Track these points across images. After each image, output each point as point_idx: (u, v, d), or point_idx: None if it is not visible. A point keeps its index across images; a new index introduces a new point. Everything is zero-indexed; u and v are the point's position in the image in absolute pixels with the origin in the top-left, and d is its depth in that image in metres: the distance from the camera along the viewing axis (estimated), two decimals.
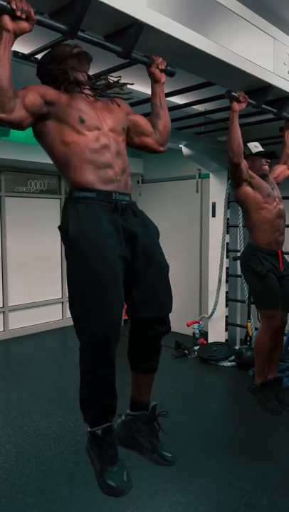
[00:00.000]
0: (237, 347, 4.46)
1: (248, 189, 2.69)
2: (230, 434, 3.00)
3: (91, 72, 1.81)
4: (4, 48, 1.34)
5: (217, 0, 1.97)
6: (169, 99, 3.12)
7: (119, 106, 1.74)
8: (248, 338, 4.32)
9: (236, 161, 2.51)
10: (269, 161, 2.84)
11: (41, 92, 1.54)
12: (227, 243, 4.56)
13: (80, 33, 1.54)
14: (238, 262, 4.59)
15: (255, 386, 2.86)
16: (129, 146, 1.83)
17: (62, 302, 5.92)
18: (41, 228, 5.58)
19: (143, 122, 1.84)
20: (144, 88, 3.18)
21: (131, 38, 1.64)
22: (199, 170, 5.10)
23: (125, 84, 1.77)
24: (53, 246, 5.76)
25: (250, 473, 2.44)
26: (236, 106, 2.33)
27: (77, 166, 1.56)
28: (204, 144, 4.14)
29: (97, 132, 1.60)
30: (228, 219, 4.55)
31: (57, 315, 5.90)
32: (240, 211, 4.44)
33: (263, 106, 2.48)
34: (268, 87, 2.38)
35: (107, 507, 2.14)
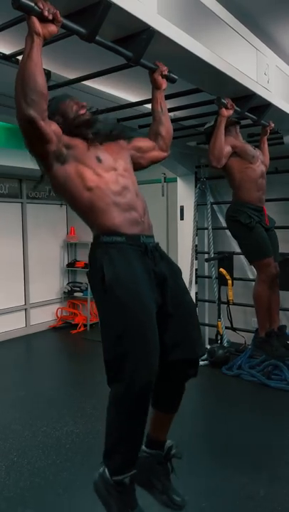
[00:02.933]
0: (207, 346, 4.58)
1: (231, 160, 2.76)
2: (217, 430, 3.07)
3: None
4: (37, 52, 1.33)
5: (211, 9, 2.05)
6: (146, 105, 3.19)
7: (126, 142, 1.81)
8: (219, 337, 4.46)
9: (215, 165, 2.60)
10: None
11: (59, 131, 1.54)
12: (196, 245, 4.68)
13: None
14: (206, 262, 4.75)
15: (261, 338, 2.93)
16: (141, 169, 1.88)
17: (25, 309, 5.76)
18: (1, 233, 5.41)
19: (142, 143, 1.89)
20: (125, 95, 3.25)
21: (142, 43, 1.67)
22: (164, 174, 5.20)
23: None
24: (15, 251, 5.61)
25: (245, 467, 2.53)
26: (225, 112, 2.42)
27: (103, 210, 1.57)
28: (174, 149, 4.20)
29: (114, 173, 1.63)
30: (196, 222, 4.67)
31: (20, 323, 5.73)
32: (213, 213, 4.59)
33: (246, 113, 2.60)
34: (251, 96, 2.49)
35: None
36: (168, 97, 2.73)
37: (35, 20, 1.31)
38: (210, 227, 4.58)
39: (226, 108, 2.40)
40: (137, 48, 1.67)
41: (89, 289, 5.87)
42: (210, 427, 3.17)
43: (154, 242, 1.67)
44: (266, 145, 3.07)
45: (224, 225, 4.67)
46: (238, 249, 4.55)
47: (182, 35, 1.81)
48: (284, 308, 3.99)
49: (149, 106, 3.24)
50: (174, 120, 3.68)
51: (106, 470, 1.54)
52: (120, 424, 1.50)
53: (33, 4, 1.29)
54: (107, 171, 1.60)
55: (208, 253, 4.73)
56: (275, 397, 3.60)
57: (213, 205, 4.74)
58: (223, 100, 2.36)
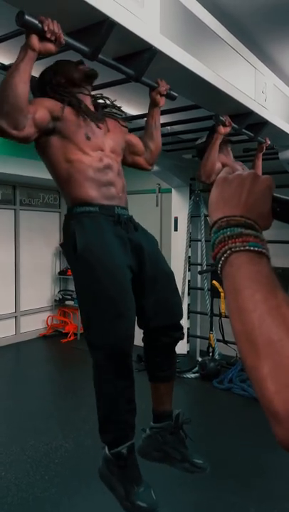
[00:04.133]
0: (199, 358, 4.57)
1: None
2: (206, 446, 3.04)
3: None
4: (26, 65, 1.33)
5: (211, 28, 2.07)
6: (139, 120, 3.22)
7: (124, 127, 1.80)
8: (211, 349, 4.45)
9: (204, 180, 2.59)
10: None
11: (49, 107, 1.53)
12: (189, 257, 4.69)
13: None
14: (198, 274, 4.75)
15: None
16: (122, 163, 1.85)
17: (15, 317, 5.70)
18: None
19: (136, 142, 1.89)
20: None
21: (144, 62, 1.67)
22: (159, 185, 5.21)
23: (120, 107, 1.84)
24: (7, 257, 5.57)
25: (235, 486, 2.51)
26: (222, 130, 2.42)
27: (80, 183, 1.58)
28: (170, 161, 4.25)
29: (100, 153, 1.63)
30: (190, 233, 4.68)
31: (10, 330, 5.67)
32: (206, 225, 4.59)
33: (243, 130, 2.62)
34: (249, 113, 2.51)
35: None
36: (167, 112, 2.77)
37: (34, 37, 1.30)
38: (203, 239, 4.59)
39: (224, 125, 2.41)
40: (139, 67, 1.67)
41: None
42: (199, 443, 3.13)
43: (129, 215, 1.67)
44: (260, 161, 3.09)
45: None
46: None
47: (183, 54, 1.82)
48: None
49: (141, 121, 3.29)
50: (171, 134, 3.73)
51: (106, 449, 1.53)
52: (104, 392, 1.51)
53: (36, 22, 1.28)
54: (93, 150, 1.60)
55: (201, 265, 4.73)
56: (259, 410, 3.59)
57: (207, 218, 4.74)
58: (221, 118, 2.37)
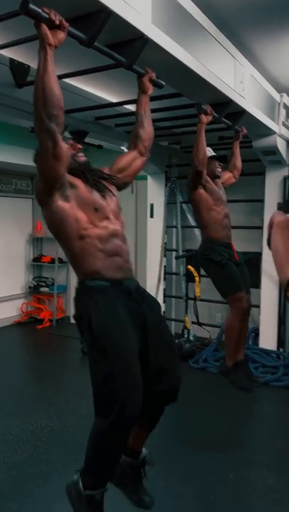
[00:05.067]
0: (175, 340, 4.71)
1: (202, 192, 2.89)
2: (185, 420, 3.21)
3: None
4: (52, 65, 1.39)
5: (197, 19, 2.15)
6: (126, 106, 3.28)
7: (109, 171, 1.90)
8: (186, 332, 4.61)
9: (200, 169, 2.71)
10: (222, 164, 3.08)
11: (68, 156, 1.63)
12: (165, 243, 4.80)
13: None
14: (175, 260, 4.89)
15: (227, 368, 3.08)
16: (127, 186, 1.99)
17: None
18: None
19: (122, 162, 1.96)
20: (105, 94, 3.31)
21: (136, 50, 1.73)
22: None
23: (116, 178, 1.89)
24: None
25: (213, 453, 2.68)
26: (204, 118, 2.52)
27: (90, 257, 1.66)
28: None
29: (106, 222, 1.72)
30: (166, 220, 4.78)
31: None
32: (182, 212, 4.72)
33: (222, 118, 2.73)
34: (228, 102, 2.62)
35: None
36: (156, 98, 2.83)
37: (46, 28, 1.36)
38: (179, 226, 4.71)
39: (206, 114, 2.51)
40: (131, 55, 1.74)
41: (56, 284, 5.88)
42: (178, 417, 3.30)
43: (136, 283, 1.78)
44: (238, 149, 3.22)
45: (192, 223, 4.85)
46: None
47: (172, 43, 1.90)
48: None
49: (126, 106, 3.34)
50: (153, 120, 3.79)
51: (80, 481, 1.68)
52: (101, 453, 1.66)
53: (40, 10, 1.33)
54: (100, 221, 1.69)
55: (176, 251, 4.86)
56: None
57: (183, 204, 4.87)
58: (203, 106, 2.47)
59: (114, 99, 3.34)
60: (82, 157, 1.78)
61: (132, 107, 3.55)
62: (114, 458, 1.71)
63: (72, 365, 4.52)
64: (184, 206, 4.92)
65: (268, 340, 4.25)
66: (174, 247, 5.00)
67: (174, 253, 4.89)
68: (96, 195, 1.72)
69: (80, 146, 1.79)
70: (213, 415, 3.25)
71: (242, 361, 3.13)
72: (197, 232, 4.94)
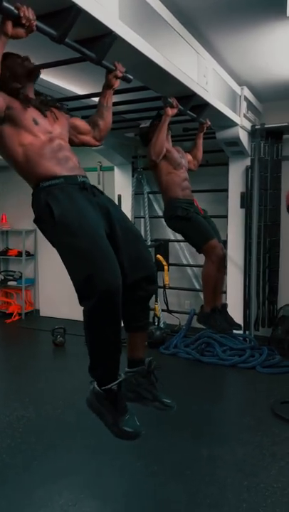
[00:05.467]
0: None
1: (160, 163, 2.93)
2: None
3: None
4: (2, 46, 1.41)
5: (161, 15, 2.22)
6: (93, 99, 3.31)
7: (67, 114, 1.95)
8: (157, 319, 4.73)
9: (155, 159, 2.77)
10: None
11: (3, 104, 1.65)
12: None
13: None
14: None
15: (206, 313, 3.16)
16: (70, 145, 1.96)
17: None
18: None
19: (80, 123, 2.02)
20: (72, 87, 3.32)
21: (105, 46, 1.78)
22: (100, 162, 5.28)
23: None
24: None
25: (188, 434, 2.81)
26: (170, 111, 2.60)
27: (39, 161, 1.70)
28: (113, 139, 4.35)
29: (49, 135, 1.76)
30: (134, 210, 4.86)
31: None
32: (149, 202, 4.81)
33: (187, 111, 2.81)
34: (193, 95, 2.71)
35: (70, 482, 2.28)
36: (114, 92, 2.88)
37: (9, 23, 1.38)
38: (147, 216, 4.80)
39: (171, 107, 2.58)
40: (100, 51, 1.79)
41: (23, 278, 5.84)
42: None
43: (90, 182, 1.81)
44: (201, 140, 3.31)
45: (160, 213, 4.94)
46: (173, 237, 4.84)
47: (138, 39, 1.95)
48: None
49: (94, 99, 3.37)
50: (115, 113, 3.83)
51: (95, 384, 1.69)
52: (97, 336, 1.64)
53: (13, 8, 1.35)
54: (42, 133, 1.73)
55: (145, 241, 4.95)
56: (208, 370, 3.96)
57: (150, 195, 4.95)
58: (169, 100, 2.54)
59: (81, 92, 3.36)
60: (29, 64, 1.78)
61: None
62: (112, 340, 1.65)
63: (44, 357, 4.55)
64: (151, 196, 5.01)
65: None
66: (143, 237, 5.08)
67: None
68: (35, 112, 1.75)
69: (27, 56, 1.79)
70: (185, 397, 3.38)
71: (220, 307, 3.22)
72: (164, 222, 5.04)
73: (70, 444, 2.70)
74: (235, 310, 4.39)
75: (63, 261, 1.67)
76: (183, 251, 4.97)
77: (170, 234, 4.97)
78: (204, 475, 2.38)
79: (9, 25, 1.39)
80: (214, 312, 3.14)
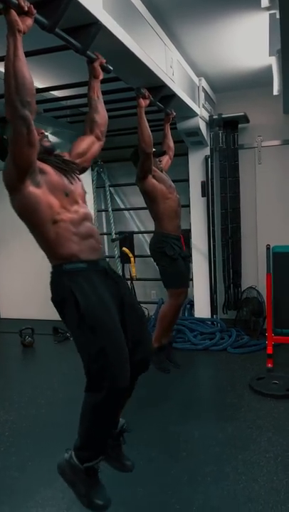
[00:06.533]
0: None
1: (154, 181, 3.00)
2: (142, 393, 3.36)
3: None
4: (21, 50, 1.38)
5: (135, 5, 2.22)
6: (53, 92, 3.25)
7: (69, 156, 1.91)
8: None
9: (149, 151, 2.79)
10: (162, 159, 3.22)
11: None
12: (96, 227, 4.84)
13: None
14: (110, 243, 4.95)
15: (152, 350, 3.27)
16: (85, 169, 2.00)
17: None
18: None
19: (80, 147, 1.98)
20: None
21: (90, 36, 1.77)
22: None
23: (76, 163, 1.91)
24: None
25: (177, 417, 2.89)
26: (142, 102, 2.62)
27: (65, 241, 1.68)
28: (73, 132, 4.28)
29: (76, 206, 1.75)
30: (96, 204, 4.83)
31: None
32: (111, 195, 4.79)
33: (157, 102, 2.84)
34: (163, 86, 2.74)
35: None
36: (80, 85, 2.85)
37: (15, 15, 1.34)
38: (110, 209, 4.78)
39: (144, 98, 2.60)
40: (85, 40, 1.77)
41: None
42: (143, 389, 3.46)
43: (108, 263, 1.86)
44: (169, 130, 3.37)
45: (122, 206, 4.96)
46: (136, 229, 4.88)
47: (119, 29, 1.96)
48: None
49: (53, 92, 3.31)
50: (78, 106, 3.80)
51: (74, 457, 1.76)
52: (97, 427, 1.73)
53: None
54: (71, 205, 1.72)
55: (109, 234, 4.94)
56: (182, 356, 4.04)
57: (111, 188, 4.94)
58: (142, 90, 2.56)
59: (40, 85, 3.28)
60: (47, 142, 1.79)
61: (58, 93, 3.52)
62: (108, 429, 1.80)
63: (16, 359, 4.42)
64: (112, 189, 5.00)
65: (202, 309, 4.57)
66: (105, 230, 5.07)
67: (105, 237, 4.97)
68: (65, 180, 1.74)
69: (43, 130, 1.78)
70: (164, 384, 3.46)
71: (166, 345, 3.35)
72: (127, 214, 5.07)
73: (61, 442, 2.60)
74: (202, 297, 4.55)
75: (78, 348, 1.71)
76: (146, 242, 5.02)
77: (134, 226, 5.01)
78: (200, 454, 2.47)
79: (17, 18, 1.35)
80: (161, 350, 3.28)
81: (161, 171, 3.16)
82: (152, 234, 3.30)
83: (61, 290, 1.70)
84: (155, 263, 3.40)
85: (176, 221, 3.17)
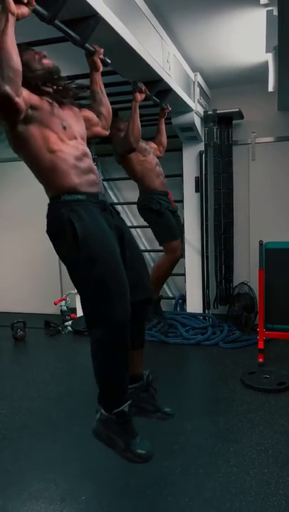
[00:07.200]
0: None
1: (127, 156, 2.99)
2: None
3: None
4: (11, 30, 1.35)
5: (135, 0, 2.21)
6: None
7: (78, 109, 1.87)
8: None
9: (135, 146, 2.80)
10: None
11: (26, 93, 1.54)
12: None
13: None
14: None
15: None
16: None
17: None
18: None
19: (91, 115, 1.98)
20: None
21: (89, 28, 1.76)
22: None
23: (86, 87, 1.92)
24: None
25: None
26: (138, 96, 2.61)
27: (65, 172, 1.65)
28: None
29: (75, 141, 1.72)
30: None
31: None
32: (104, 189, 4.78)
33: (153, 96, 2.84)
34: (159, 80, 2.74)
35: (63, 470, 2.28)
36: (77, 78, 2.83)
37: (11, 1, 1.33)
38: None
39: (140, 92, 2.60)
40: (84, 33, 1.76)
41: None
42: None
43: (106, 198, 1.84)
44: (163, 126, 3.37)
45: (116, 200, 4.96)
46: (130, 224, 4.88)
47: (118, 22, 1.95)
48: (179, 274, 4.44)
49: None
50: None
51: (102, 411, 1.71)
52: (108, 365, 1.67)
53: None
54: (70, 139, 1.69)
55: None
56: (174, 350, 4.09)
57: (104, 182, 4.93)
58: (138, 84, 2.56)
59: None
60: (48, 62, 1.71)
61: None
62: (123, 365, 1.70)
63: (8, 353, 4.40)
64: (105, 184, 4.98)
65: (194, 304, 4.60)
66: None
67: None
68: (63, 113, 1.70)
69: (44, 53, 1.71)
70: (157, 376, 3.48)
71: (154, 299, 3.35)
72: (120, 208, 5.06)
73: (54, 434, 2.68)
74: (194, 292, 4.57)
75: (75, 282, 1.67)
76: (140, 237, 5.03)
77: (128, 220, 5.00)
78: (192, 447, 2.49)
79: (12, 2, 1.33)
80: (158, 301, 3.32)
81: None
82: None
83: (59, 220, 1.65)
84: (145, 221, 3.38)
85: (159, 179, 3.17)
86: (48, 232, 1.71)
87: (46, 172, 1.66)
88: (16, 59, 1.37)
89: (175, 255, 3.20)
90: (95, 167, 1.81)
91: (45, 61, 1.69)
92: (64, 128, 1.66)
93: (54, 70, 1.71)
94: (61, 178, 1.65)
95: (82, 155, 1.72)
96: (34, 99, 1.59)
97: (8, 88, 1.37)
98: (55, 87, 1.71)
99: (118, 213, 1.86)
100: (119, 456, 1.74)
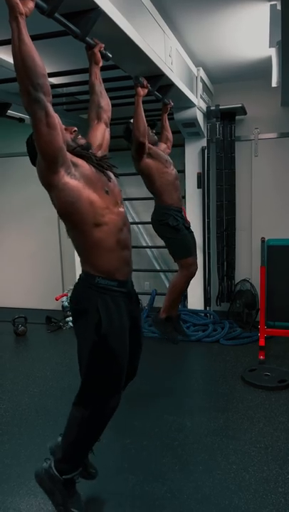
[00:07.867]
0: None
1: (148, 160, 2.96)
2: (135, 383, 3.38)
3: None
4: (27, 33, 1.34)
5: None
6: (49, 79, 3.20)
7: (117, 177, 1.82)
8: None
9: (142, 140, 2.77)
10: (154, 130, 3.18)
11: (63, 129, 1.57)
12: None
13: None
14: None
15: (160, 319, 3.30)
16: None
17: None
18: None
19: (97, 137, 1.94)
20: None
21: (89, 22, 1.74)
22: None
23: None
24: None
25: (170, 407, 2.91)
26: (141, 91, 2.59)
27: (106, 252, 1.62)
28: (68, 120, 4.23)
29: (117, 208, 1.67)
30: None
31: None
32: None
33: (154, 91, 2.82)
34: (161, 75, 2.71)
35: None
36: (77, 72, 2.82)
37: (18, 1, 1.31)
38: None
39: (142, 87, 2.57)
40: (85, 26, 1.74)
41: None
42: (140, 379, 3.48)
43: (132, 283, 1.85)
44: (167, 121, 3.34)
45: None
46: (131, 219, 4.86)
47: (119, 15, 1.92)
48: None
49: (50, 79, 3.26)
50: (69, 94, 3.77)
51: (53, 467, 1.81)
52: (86, 439, 1.80)
53: None
54: (113, 206, 1.64)
55: None
56: (175, 347, 4.02)
57: None
58: (140, 79, 2.53)
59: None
60: (82, 139, 1.72)
61: (54, 80, 3.47)
62: (92, 445, 1.87)
63: (10, 348, 4.41)
64: None
65: (195, 301, 4.59)
66: None
67: None
68: (103, 178, 1.66)
69: (75, 128, 1.72)
70: (158, 374, 3.48)
71: (174, 317, 3.37)
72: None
73: (54, 430, 2.64)
74: (196, 289, 4.55)
75: (82, 361, 1.73)
76: (141, 233, 5.02)
77: (129, 217, 4.98)
78: (192, 443, 2.49)
79: (17, 1, 1.31)
80: (169, 321, 3.30)
81: (155, 144, 3.11)
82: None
83: (86, 301, 1.67)
84: (160, 237, 3.35)
85: (176, 194, 3.15)
86: (72, 303, 1.76)
87: (88, 247, 1.63)
88: (40, 63, 1.37)
89: (190, 271, 3.21)
90: (130, 235, 1.76)
91: (80, 140, 1.70)
92: (107, 192, 1.62)
93: (86, 146, 1.70)
94: (101, 260, 1.63)
95: (123, 224, 1.68)
96: (72, 156, 1.57)
97: (41, 94, 1.38)
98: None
99: (138, 301, 1.91)
100: (54, 506, 1.87)
